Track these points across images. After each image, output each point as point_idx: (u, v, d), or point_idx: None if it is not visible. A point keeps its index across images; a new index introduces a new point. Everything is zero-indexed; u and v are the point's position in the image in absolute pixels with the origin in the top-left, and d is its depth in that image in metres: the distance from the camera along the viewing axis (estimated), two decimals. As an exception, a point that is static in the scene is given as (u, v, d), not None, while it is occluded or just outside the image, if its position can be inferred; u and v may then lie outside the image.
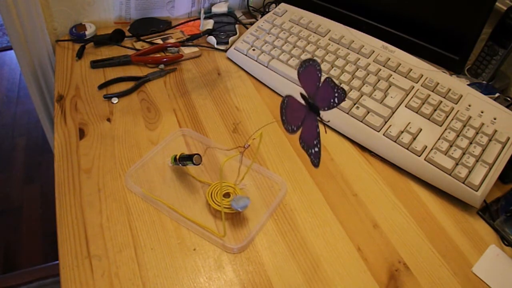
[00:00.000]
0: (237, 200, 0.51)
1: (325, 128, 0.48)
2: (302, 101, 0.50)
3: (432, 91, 0.67)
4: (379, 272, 0.49)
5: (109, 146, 0.61)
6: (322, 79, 0.47)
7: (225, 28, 0.89)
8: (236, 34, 0.88)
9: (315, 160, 0.48)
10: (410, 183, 0.61)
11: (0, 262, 1.35)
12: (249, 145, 0.50)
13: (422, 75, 0.69)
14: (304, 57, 0.76)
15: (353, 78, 0.70)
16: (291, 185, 0.58)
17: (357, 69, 0.71)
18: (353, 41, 0.75)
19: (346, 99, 0.67)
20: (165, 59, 0.78)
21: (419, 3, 0.73)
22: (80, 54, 0.79)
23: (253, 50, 0.79)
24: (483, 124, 0.62)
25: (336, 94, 0.44)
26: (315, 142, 0.47)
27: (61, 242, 0.49)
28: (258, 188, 0.57)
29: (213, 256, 0.49)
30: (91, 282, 0.45)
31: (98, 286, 0.45)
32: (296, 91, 0.51)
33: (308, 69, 0.49)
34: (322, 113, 0.48)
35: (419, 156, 0.61)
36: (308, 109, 0.49)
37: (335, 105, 0.45)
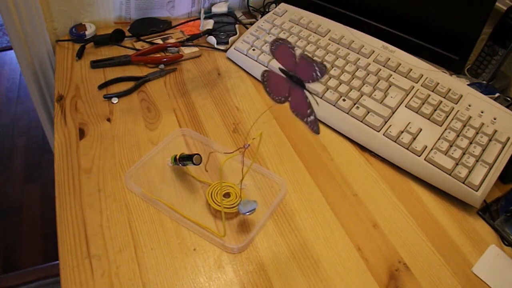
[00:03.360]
0: (244, 204, 0.51)
1: (315, 100, 0.48)
2: (283, 75, 0.49)
3: (432, 91, 0.67)
4: (379, 272, 0.49)
5: (109, 146, 0.61)
6: (298, 55, 0.47)
7: (225, 28, 0.89)
8: (236, 34, 0.88)
9: (314, 128, 0.47)
10: (410, 183, 0.61)
11: (0, 262, 1.35)
12: (249, 145, 0.50)
13: (422, 75, 0.69)
14: (300, 54, 0.76)
15: (353, 78, 0.70)
16: (291, 185, 0.58)
17: (357, 69, 0.71)
18: (353, 41, 0.75)
19: (346, 99, 0.67)
20: (165, 59, 0.78)
21: (419, 3, 0.73)
22: (80, 54, 0.79)
23: (253, 50, 0.79)
24: (483, 124, 0.62)
25: (317, 68, 0.44)
26: (308, 112, 0.46)
27: (61, 242, 0.49)
28: (258, 188, 0.57)
29: (213, 256, 0.49)
30: (91, 282, 0.45)
31: (98, 286, 0.45)
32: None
33: (280, 48, 0.49)
34: (307, 85, 0.47)
35: (419, 156, 0.61)
36: (292, 82, 0.48)
37: (318, 77, 0.45)
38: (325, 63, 0.73)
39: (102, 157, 0.60)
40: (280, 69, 0.48)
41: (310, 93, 0.47)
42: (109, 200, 0.54)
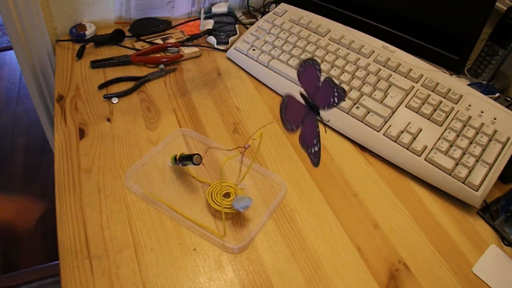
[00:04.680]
0: (238, 201, 0.51)
1: (325, 128, 0.48)
2: (302, 101, 0.50)
3: (432, 91, 0.67)
4: (379, 272, 0.49)
5: (109, 146, 0.61)
6: (322, 78, 0.47)
7: (225, 28, 0.89)
8: (236, 34, 0.88)
9: (315, 160, 0.48)
10: (410, 183, 0.61)
11: (0, 262, 1.35)
12: (249, 145, 0.50)
13: (422, 75, 0.69)
14: (304, 57, 0.76)
15: (353, 78, 0.70)
16: (291, 185, 0.58)
17: (357, 69, 0.71)
18: (353, 41, 0.75)
19: (346, 99, 0.67)
20: (165, 59, 0.78)
21: (419, 3, 0.73)
22: (80, 54, 0.79)
23: (253, 50, 0.79)
24: (483, 124, 0.62)
25: (336, 94, 0.45)
26: (314, 142, 0.47)
27: (61, 242, 0.49)
28: (258, 188, 0.57)
29: (213, 256, 0.49)
30: (91, 282, 0.45)
31: (98, 286, 0.45)
32: (296, 91, 0.51)
33: (307, 69, 0.49)
34: (322, 112, 0.48)
35: (419, 156, 0.61)
36: (308, 108, 0.49)
37: (334, 104, 0.45)
38: (324, 63, 0.73)
39: (102, 157, 0.60)
40: (300, 93, 0.49)
41: (322, 121, 0.47)
42: (109, 200, 0.54)
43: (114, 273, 0.46)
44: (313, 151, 0.48)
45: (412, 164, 0.61)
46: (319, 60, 0.74)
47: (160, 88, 0.74)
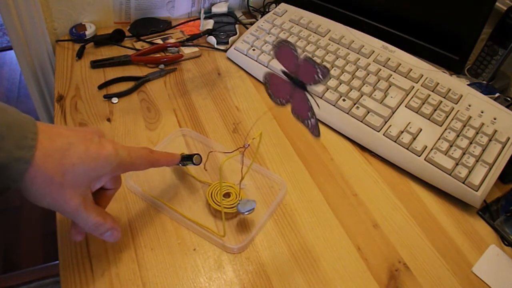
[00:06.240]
0: (243, 204, 0.51)
1: (317, 103, 0.47)
2: (285, 77, 0.49)
3: (432, 91, 0.67)
4: (379, 272, 0.49)
5: (109, 146, 0.61)
6: (301, 57, 0.47)
7: (225, 28, 0.89)
8: (236, 34, 0.88)
9: (314, 131, 0.47)
10: (410, 183, 0.61)
11: (0, 262, 1.35)
12: (248, 145, 0.50)
13: (422, 75, 0.69)
14: (304, 57, 0.76)
15: (353, 78, 0.70)
16: (291, 185, 0.58)
17: (357, 69, 0.71)
18: (353, 41, 0.75)
19: (346, 99, 0.67)
20: (165, 59, 0.78)
21: (419, 3, 0.73)
22: (80, 54, 0.79)
23: (253, 50, 0.79)
24: (483, 124, 0.62)
25: (318, 70, 0.44)
26: (309, 114, 0.46)
27: (61, 242, 0.49)
28: (258, 188, 0.57)
29: (213, 256, 0.49)
30: (91, 282, 0.45)
31: (98, 286, 0.45)
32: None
33: (283, 50, 0.49)
34: (309, 87, 0.47)
35: (419, 156, 0.61)
36: (293, 84, 0.48)
37: (320, 80, 0.44)
38: (325, 63, 0.73)
39: (102, 157, 0.59)
40: (282, 71, 0.48)
41: (312, 95, 0.47)
42: (109, 200, 0.54)
43: (114, 273, 0.46)
44: (310, 122, 0.47)
45: (412, 164, 0.61)
46: (319, 60, 0.74)
47: (160, 88, 0.74)
